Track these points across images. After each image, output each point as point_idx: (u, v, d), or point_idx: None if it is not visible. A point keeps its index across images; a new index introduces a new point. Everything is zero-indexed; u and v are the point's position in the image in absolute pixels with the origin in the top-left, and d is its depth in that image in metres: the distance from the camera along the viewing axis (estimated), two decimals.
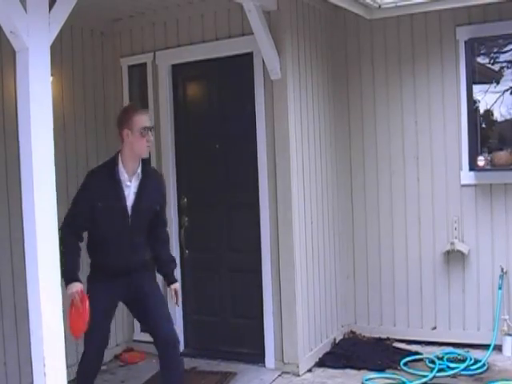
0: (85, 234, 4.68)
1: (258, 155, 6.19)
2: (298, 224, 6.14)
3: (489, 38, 6.45)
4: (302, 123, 6.25)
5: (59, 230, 3.61)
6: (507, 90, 6.57)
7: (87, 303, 4.29)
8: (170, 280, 4.93)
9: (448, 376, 5.88)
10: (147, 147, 4.61)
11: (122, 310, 5.23)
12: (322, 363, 6.34)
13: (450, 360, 6.17)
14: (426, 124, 6.74)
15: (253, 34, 5.87)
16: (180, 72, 6.73)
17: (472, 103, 6.47)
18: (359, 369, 6.13)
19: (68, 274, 4.28)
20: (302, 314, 6.17)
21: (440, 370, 5.94)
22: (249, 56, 6.22)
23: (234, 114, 6.47)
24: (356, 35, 6.99)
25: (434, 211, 6.69)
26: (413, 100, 6.79)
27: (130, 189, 4.60)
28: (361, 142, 7.05)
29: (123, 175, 4.58)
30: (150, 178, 4.74)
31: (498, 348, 6.39)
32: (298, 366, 6.07)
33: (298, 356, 6.10)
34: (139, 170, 4.65)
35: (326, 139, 6.74)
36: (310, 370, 6.20)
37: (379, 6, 6.32)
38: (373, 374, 5.97)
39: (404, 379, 5.79)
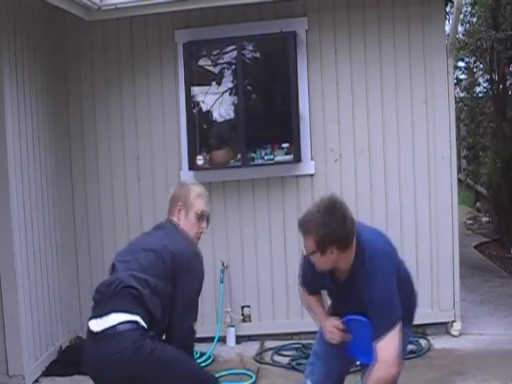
0: None
1: None
2: (18, 229, 5.88)
3: (206, 41, 6.70)
4: (19, 124, 5.98)
5: None
6: (226, 91, 6.86)
7: None
8: None
9: None
10: None
11: None
12: (49, 372, 6.18)
13: None
14: (145, 126, 6.83)
15: None
16: None
17: (191, 105, 6.66)
18: (87, 374, 6.05)
19: None
20: (26, 324, 5.93)
21: None
22: None
23: None
24: (76, 37, 6.85)
25: (155, 210, 6.71)
26: (132, 102, 6.84)
27: None
28: (81, 145, 6.94)
29: None
30: None
31: (223, 340, 6.71)
32: (24, 378, 5.83)
33: (23, 367, 5.85)
34: None
35: (45, 140, 6.53)
36: (36, 381, 6.02)
37: (99, 8, 6.21)
38: None
39: None
